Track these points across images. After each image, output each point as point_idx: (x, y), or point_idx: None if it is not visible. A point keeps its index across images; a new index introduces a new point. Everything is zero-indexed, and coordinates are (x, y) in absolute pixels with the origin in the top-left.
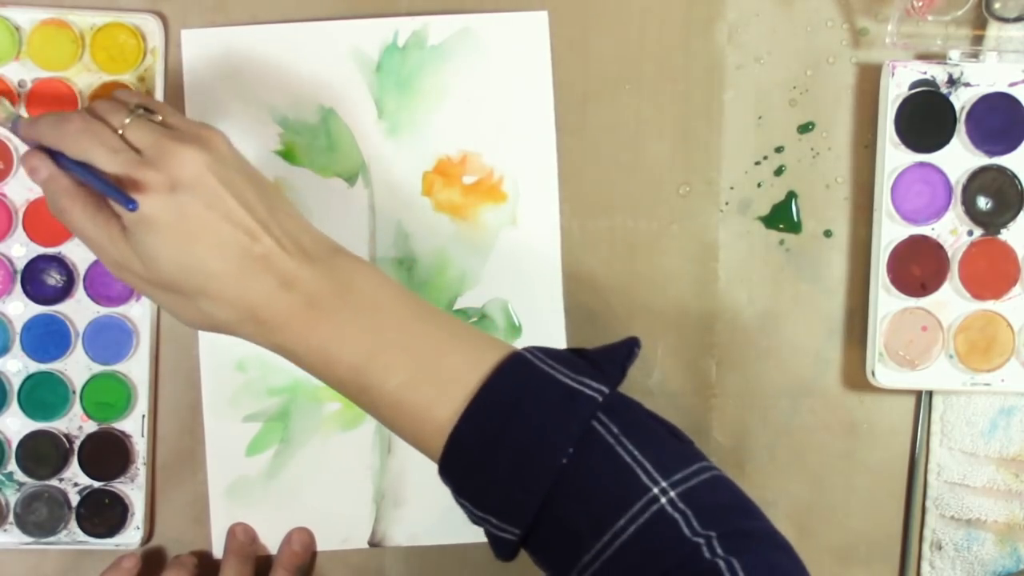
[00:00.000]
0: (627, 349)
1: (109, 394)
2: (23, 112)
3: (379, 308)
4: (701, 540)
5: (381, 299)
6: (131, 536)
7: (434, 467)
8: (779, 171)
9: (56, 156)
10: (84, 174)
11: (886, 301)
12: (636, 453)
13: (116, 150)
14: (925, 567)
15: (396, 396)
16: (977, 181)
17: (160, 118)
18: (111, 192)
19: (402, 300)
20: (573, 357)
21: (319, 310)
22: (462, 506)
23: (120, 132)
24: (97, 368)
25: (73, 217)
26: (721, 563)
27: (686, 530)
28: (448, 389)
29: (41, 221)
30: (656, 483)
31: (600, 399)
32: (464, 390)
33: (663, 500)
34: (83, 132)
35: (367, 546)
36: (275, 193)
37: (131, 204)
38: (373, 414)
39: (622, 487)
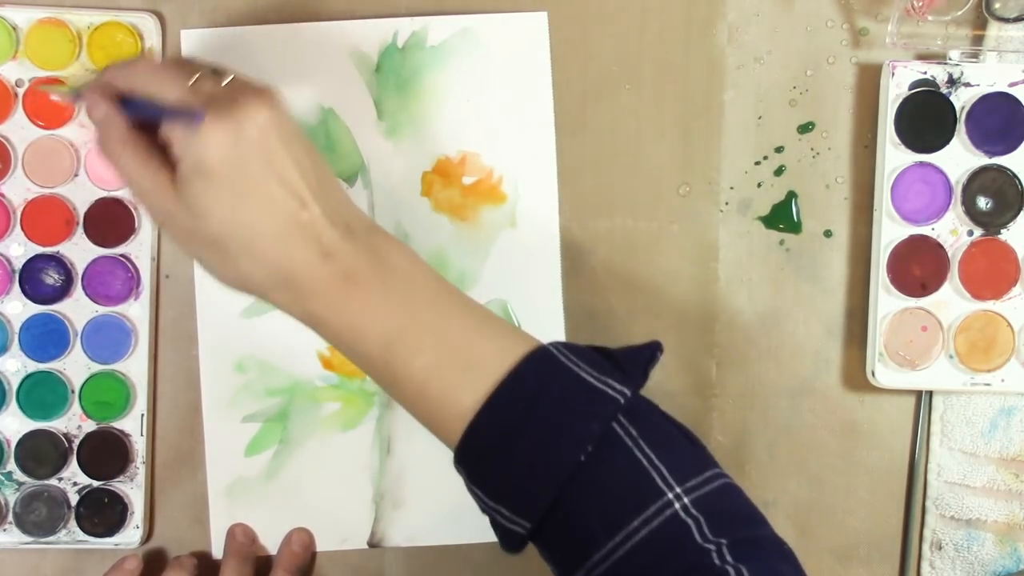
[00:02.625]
0: (650, 352)
1: (108, 393)
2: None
3: (412, 287)
4: (712, 547)
5: (415, 279)
6: (131, 535)
7: (433, 468)
8: (779, 171)
9: (122, 102)
10: (148, 106)
11: (886, 301)
12: (653, 457)
13: (185, 92)
14: (925, 567)
15: (421, 377)
16: (977, 181)
17: (230, 77)
18: (175, 113)
19: (434, 282)
20: (597, 356)
21: (355, 283)
22: (474, 495)
23: (192, 80)
24: (96, 367)
25: (124, 160)
26: (731, 570)
27: (697, 536)
28: (473, 376)
29: (39, 221)
30: (671, 488)
31: (622, 401)
32: (489, 378)
33: (677, 505)
34: (155, 73)
35: (366, 547)
36: (323, 164)
37: (198, 116)
38: (394, 394)
39: (637, 490)
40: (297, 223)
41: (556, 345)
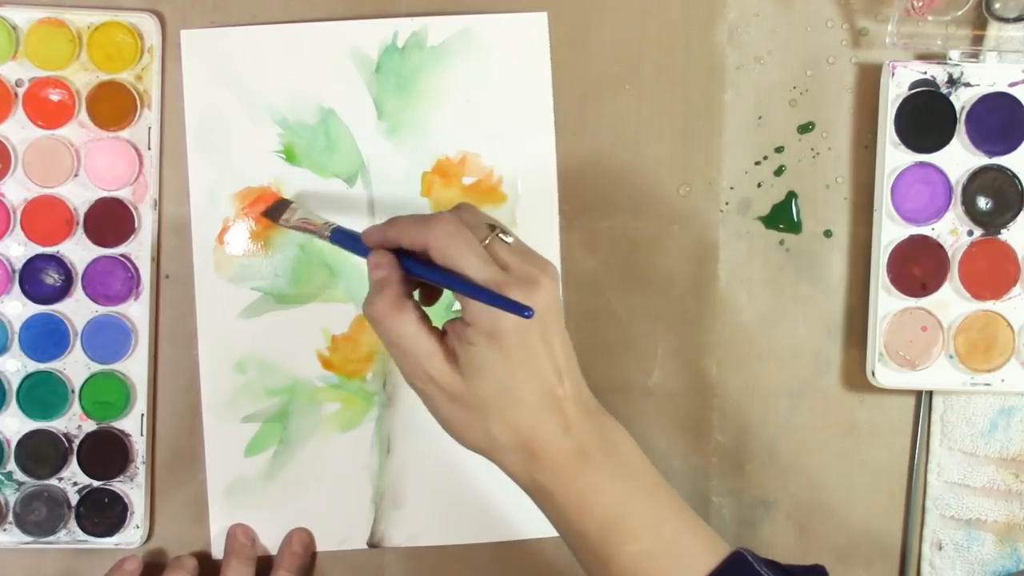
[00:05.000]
0: (819, 574)
1: (108, 393)
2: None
3: (636, 474)
4: None
5: (638, 467)
6: (131, 535)
7: (433, 468)
8: (779, 171)
9: (403, 259)
10: (469, 287)
11: (886, 301)
12: None
13: (486, 261)
14: (925, 567)
15: (632, 561)
16: (977, 181)
17: (511, 240)
18: (494, 298)
19: (651, 473)
20: (778, 568)
21: (587, 460)
22: None
23: (485, 244)
24: (96, 367)
25: (397, 323)
26: None
27: None
28: (684, 569)
29: (39, 220)
30: None
31: None
32: (698, 572)
33: None
34: (454, 236)
35: (366, 547)
36: (571, 344)
37: (527, 311)
38: (598, 572)
39: None
40: (551, 396)
41: (748, 551)
